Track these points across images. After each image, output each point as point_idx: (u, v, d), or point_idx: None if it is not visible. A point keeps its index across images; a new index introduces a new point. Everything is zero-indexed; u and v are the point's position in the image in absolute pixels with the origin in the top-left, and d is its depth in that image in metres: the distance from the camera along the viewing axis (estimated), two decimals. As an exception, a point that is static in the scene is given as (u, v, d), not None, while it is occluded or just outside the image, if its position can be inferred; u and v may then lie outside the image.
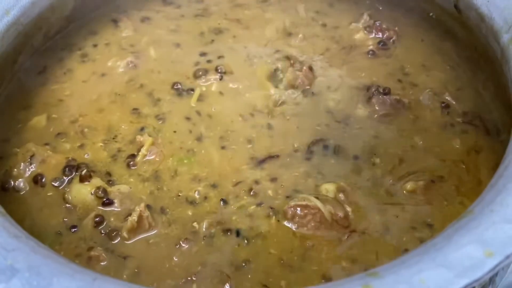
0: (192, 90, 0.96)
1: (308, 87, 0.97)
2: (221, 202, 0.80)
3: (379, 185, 0.82)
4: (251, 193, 0.81)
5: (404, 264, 0.55)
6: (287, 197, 0.80)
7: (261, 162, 0.85)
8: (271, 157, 0.86)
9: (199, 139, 0.89)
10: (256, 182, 0.83)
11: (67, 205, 0.80)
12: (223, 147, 0.87)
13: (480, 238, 0.56)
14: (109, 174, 0.84)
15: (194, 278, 0.71)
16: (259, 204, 0.80)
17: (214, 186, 0.82)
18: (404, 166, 0.84)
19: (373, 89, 0.94)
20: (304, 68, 0.98)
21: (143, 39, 1.08)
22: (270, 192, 0.81)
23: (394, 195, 0.80)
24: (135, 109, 0.94)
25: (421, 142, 0.88)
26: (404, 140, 0.88)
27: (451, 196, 0.80)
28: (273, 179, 0.83)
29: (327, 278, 0.72)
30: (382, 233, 0.76)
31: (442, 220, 0.77)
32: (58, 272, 0.55)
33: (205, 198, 0.81)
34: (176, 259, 0.74)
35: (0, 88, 0.95)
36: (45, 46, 1.04)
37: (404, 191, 0.81)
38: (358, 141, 0.88)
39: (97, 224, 0.77)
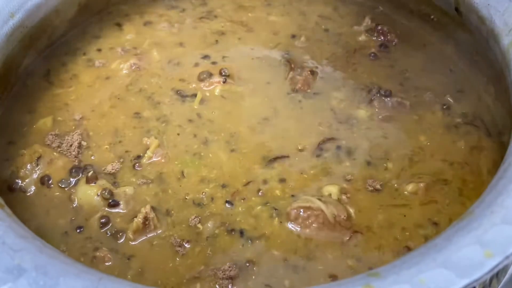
0: (195, 95, 0.97)
1: (308, 90, 0.98)
2: (227, 204, 0.81)
3: (384, 187, 0.82)
4: (259, 193, 0.82)
5: (405, 265, 0.55)
6: (292, 195, 0.82)
7: (271, 161, 0.86)
8: (282, 157, 0.87)
9: (204, 142, 0.89)
10: (265, 181, 0.84)
11: (74, 206, 0.81)
12: (232, 150, 0.88)
13: (480, 239, 0.56)
14: (115, 175, 0.85)
15: (197, 276, 0.72)
16: (265, 204, 0.81)
17: (223, 187, 0.83)
18: (413, 168, 0.85)
19: (375, 91, 0.95)
20: (305, 72, 0.99)
21: (146, 42, 1.09)
22: (277, 192, 0.82)
23: (397, 197, 0.81)
24: (137, 112, 0.94)
25: (428, 143, 0.89)
26: (413, 141, 0.89)
27: (453, 197, 0.81)
28: (282, 180, 0.84)
29: (334, 277, 0.72)
30: (386, 232, 0.77)
31: (449, 219, 0.78)
32: (65, 272, 0.56)
33: (212, 199, 0.81)
34: (180, 259, 0.74)
35: (5, 91, 0.95)
36: (49, 49, 1.05)
37: (406, 192, 0.81)
38: (368, 142, 0.89)
39: (103, 225, 0.78)
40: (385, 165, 0.86)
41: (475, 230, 0.57)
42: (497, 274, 0.73)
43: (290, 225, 0.78)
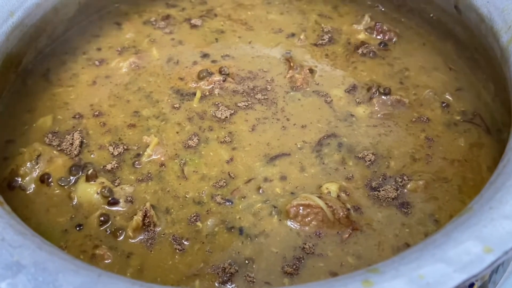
0: (195, 93, 0.97)
1: (308, 88, 0.98)
2: (226, 202, 0.81)
3: (383, 184, 0.82)
4: (260, 191, 0.82)
5: (404, 260, 0.56)
6: (292, 193, 0.82)
7: (272, 159, 0.86)
8: (283, 154, 0.87)
9: (205, 141, 0.89)
10: (266, 179, 0.84)
11: (73, 204, 0.81)
12: (234, 148, 0.88)
13: (479, 235, 0.56)
14: (114, 173, 0.85)
15: (196, 273, 0.72)
16: (265, 202, 0.81)
17: (223, 185, 0.83)
18: (414, 166, 0.85)
19: (374, 90, 0.95)
20: (304, 71, 0.99)
21: (146, 40, 1.09)
22: (278, 189, 0.82)
23: (397, 194, 0.81)
24: (136, 111, 0.95)
25: (428, 141, 0.89)
26: (413, 139, 0.89)
27: (453, 194, 0.81)
28: (283, 177, 0.84)
29: (334, 275, 0.72)
30: (386, 229, 0.77)
31: (449, 216, 0.78)
32: (63, 268, 0.56)
33: (212, 197, 0.81)
34: (179, 257, 0.75)
35: (5, 90, 0.96)
36: (49, 48, 1.05)
37: (406, 190, 0.82)
38: (368, 139, 0.89)
39: (103, 222, 0.78)
40: (386, 163, 0.86)
41: (474, 225, 0.57)
42: (497, 270, 0.73)
43: (289, 223, 0.78)
